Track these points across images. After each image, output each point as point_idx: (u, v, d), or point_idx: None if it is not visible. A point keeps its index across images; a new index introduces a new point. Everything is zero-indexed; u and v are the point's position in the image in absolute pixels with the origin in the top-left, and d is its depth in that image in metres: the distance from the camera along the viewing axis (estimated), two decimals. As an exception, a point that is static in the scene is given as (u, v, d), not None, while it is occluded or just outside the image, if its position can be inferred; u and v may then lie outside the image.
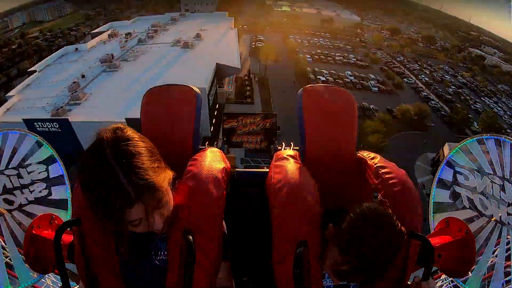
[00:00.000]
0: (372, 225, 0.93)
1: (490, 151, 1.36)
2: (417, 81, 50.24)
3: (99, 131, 0.88)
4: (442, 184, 1.51)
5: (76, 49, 33.97)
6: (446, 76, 53.98)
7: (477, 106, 42.69)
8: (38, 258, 1.29)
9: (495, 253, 1.29)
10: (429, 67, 57.53)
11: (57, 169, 1.49)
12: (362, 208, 0.97)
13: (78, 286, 1.22)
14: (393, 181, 1.14)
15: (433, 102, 41.52)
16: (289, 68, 45.36)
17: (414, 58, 61.79)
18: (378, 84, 43.84)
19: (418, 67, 56.69)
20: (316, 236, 1.07)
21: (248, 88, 37.62)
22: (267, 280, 1.21)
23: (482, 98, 46.46)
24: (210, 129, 26.69)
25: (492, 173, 1.33)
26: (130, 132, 0.90)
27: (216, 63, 28.36)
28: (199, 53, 31.66)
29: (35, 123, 20.34)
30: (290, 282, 1.05)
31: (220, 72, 29.84)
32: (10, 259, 1.34)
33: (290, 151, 1.40)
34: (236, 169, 1.60)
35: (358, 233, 0.93)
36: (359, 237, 0.93)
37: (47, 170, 1.46)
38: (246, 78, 40.25)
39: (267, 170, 1.33)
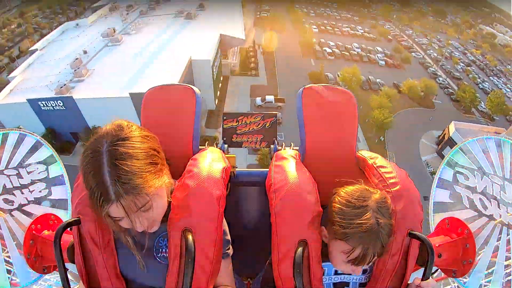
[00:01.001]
0: (354, 202, 1.01)
1: (490, 151, 1.36)
2: (425, 56, 48.72)
3: (102, 127, 0.92)
4: (442, 184, 1.51)
5: (77, 24, 33.68)
6: (455, 53, 52.06)
7: (485, 85, 41.55)
8: (38, 258, 1.29)
9: (495, 253, 1.29)
10: (438, 42, 55.63)
11: (57, 169, 1.49)
12: (338, 196, 1.06)
13: (78, 286, 1.22)
14: (393, 181, 1.14)
15: (440, 78, 40.47)
16: (294, 38, 44.53)
17: (423, 32, 59.44)
18: (385, 58, 42.89)
19: (427, 42, 54.78)
20: (316, 236, 1.07)
21: (253, 59, 36.92)
22: (267, 280, 1.21)
23: (490, 77, 45.32)
24: (215, 102, 26.66)
25: (492, 173, 1.33)
26: (132, 131, 0.92)
27: (220, 34, 28.21)
28: (203, 24, 31.32)
29: (39, 103, 20.44)
30: (290, 282, 1.05)
31: (224, 43, 29.59)
32: (10, 259, 1.34)
33: (290, 151, 1.40)
34: (236, 169, 1.60)
35: (347, 216, 1.00)
36: (349, 218, 0.99)
37: (47, 170, 1.46)
38: (250, 49, 39.36)
39: (267, 170, 1.33)
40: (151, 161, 0.91)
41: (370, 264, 1.05)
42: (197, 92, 1.36)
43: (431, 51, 50.85)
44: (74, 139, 22.05)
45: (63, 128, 21.63)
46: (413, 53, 47.98)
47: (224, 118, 1.73)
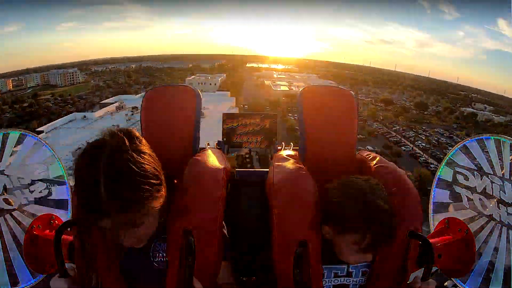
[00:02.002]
0: (351, 191, 1.02)
1: (490, 151, 1.35)
2: (414, 147, 52.61)
3: (106, 132, 0.87)
4: (442, 184, 1.51)
5: (84, 116, 35.90)
6: (442, 138, 56.95)
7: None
8: (38, 258, 1.29)
9: (495, 253, 1.29)
10: (424, 133, 60.73)
11: (57, 169, 1.49)
12: (333, 190, 1.07)
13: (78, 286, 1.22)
14: (393, 181, 1.14)
15: (432, 165, 42.71)
16: (287, 139, 46.03)
17: (409, 126, 65.01)
18: None
19: (413, 134, 59.42)
20: (316, 236, 1.07)
21: (248, 166, 37.76)
22: (267, 280, 1.21)
23: None
24: None
25: (492, 173, 1.33)
26: (137, 145, 0.87)
27: (218, 140, 28.41)
28: (202, 130, 31.00)
29: None
30: (290, 282, 1.05)
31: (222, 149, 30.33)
32: (10, 259, 1.34)
33: (290, 151, 1.40)
34: (236, 169, 1.60)
35: (348, 208, 1.00)
36: (350, 208, 1.00)
37: (47, 170, 1.46)
38: (246, 155, 40.00)
39: (267, 170, 1.33)
40: (147, 181, 0.83)
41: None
42: (197, 92, 1.36)
43: (419, 142, 54.98)
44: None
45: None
46: (402, 147, 51.69)
47: (224, 118, 1.73)
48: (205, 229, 1.02)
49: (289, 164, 1.25)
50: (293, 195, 1.12)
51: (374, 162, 1.26)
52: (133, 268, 1.06)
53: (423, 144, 54.18)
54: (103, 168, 0.77)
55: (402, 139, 57.09)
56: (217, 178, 1.12)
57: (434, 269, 1.22)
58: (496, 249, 1.29)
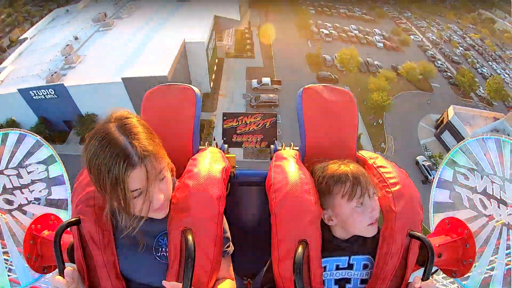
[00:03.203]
0: (325, 162, 1.21)
1: (490, 151, 1.36)
2: (423, 39, 47.92)
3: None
4: (442, 184, 1.51)
5: (67, 10, 32.55)
6: (454, 37, 51.26)
7: (483, 70, 40.79)
8: (38, 258, 1.29)
9: (495, 253, 1.29)
10: (437, 25, 55.04)
11: (57, 169, 1.49)
12: (316, 171, 1.21)
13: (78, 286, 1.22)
14: (393, 181, 1.14)
15: (439, 62, 39.74)
16: (290, 20, 43.72)
17: (421, 15, 58.71)
18: (383, 40, 42.07)
19: (425, 25, 54.08)
20: (316, 235, 1.07)
21: (248, 41, 36.15)
22: (267, 280, 1.21)
23: (489, 62, 44.68)
24: (210, 85, 26.08)
25: (492, 173, 1.33)
26: (133, 116, 0.98)
27: (214, 15, 27.48)
28: (196, 6, 30.13)
29: (30, 92, 20.00)
30: (290, 282, 1.05)
31: (219, 25, 28.90)
32: (10, 259, 1.34)
33: (290, 151, 1.40)
34: (236, 169, 1.60)
35: (329, 170, 1.16)
36: (327, 168, 1.17)
37: (47, 170, 1.46)
38: (246, 31, 38.43)
39: (267, 170, 1.33)
40: (154, 138, 0.96)
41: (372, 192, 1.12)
42: (197, 92, 1.36)
43: (430, 34, 50.11)
44: (67, 127, 21.57)
45: (56, 117, 21.11)
46: (411, 36, 47.07)
47: (224, 118, 1.73)
48: (205, 228, 1.02)
49: (289, 164, 1.25)
50: (293, 195, 1.12)
51: (374, 162, 1.26)
52: (136, 263, 1.06)
53: (433, 37, 49.13)
54: (118, 133, 0.88)
55: (413, 27, 51.85)
56: (217, 178, 1.12)
57: (434, 269, 1.22)
58: (496, 249, 1.29)
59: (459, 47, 46.46)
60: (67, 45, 23.42)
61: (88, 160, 0.88)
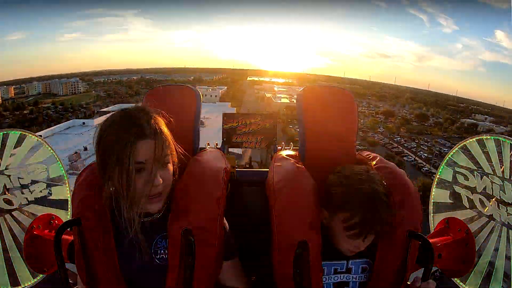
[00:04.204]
0: (350, 173, 1.07)
1: (490, 151, 1.35)
2: (416, 158, 52.57)
3: None
4: (442, 184, 1.51)
5: (83, 123, 35.43)
6: (444, 149, 56.43)
7: None
8: (38, 258, 1.29)
9: (495, 253, 1.29)
10: (426, 143, 61.22)
11: (57, 169, 1.49)
12: (333, 174, 1.12)
13: (78, 286, 1.22)
14: (393, 181, 1.14)
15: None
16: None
17: (410, 137, 65.69)
18: None
19: (415, 145, 59.91)
20: (316, 236, 1.07)
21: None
22: (267, 280, 1.21)
23: None
24: None
25: (492, 173, 1.33)
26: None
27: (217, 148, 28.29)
28: (202, 138, 30.63)
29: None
30: (290, 282, 1.05)
31: None
32: (10, 259, 1.34)
33: (290, 151, 1.40)
34: (236, 169, 1.60)
35: (345, 186, 1.05)
36: (347, 186, 1.04)
37: (47, 170, 1.46)
38: (247, 166, 39.80)
39: (267, 170, 1.33)
40: (168, 130, 1.01)
41: (369, 241, 1.06)
42: (197, 92, 1.36)
43: (422, 153, 55.28)
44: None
45: None
46: (404, 157, 51.35)
47: (224, 118, 1.73)
48: (205, 229, 1.02)
49: (289, 164, 1.25)
50: (293, 195, 1.12)
51: (374, 162, 1.26)
52: (135, 265, 1.06)
53: (425, 154, 54.31)
54: (136, 113, 0.96)
55: (404, 150, 57.19)
56: (217, 178, 1.12)
57: (434, 269, 1.22)
58: (496, 249, 1.29)
59: None
60: (75, 152, 24.62)
61: (101, 130, 0.95)
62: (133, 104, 1.05)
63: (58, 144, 27.01)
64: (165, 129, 0.99)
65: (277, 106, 76.26)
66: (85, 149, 26.00)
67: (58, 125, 34.61)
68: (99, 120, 35.89)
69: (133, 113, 0.96)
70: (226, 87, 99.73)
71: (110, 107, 48.66)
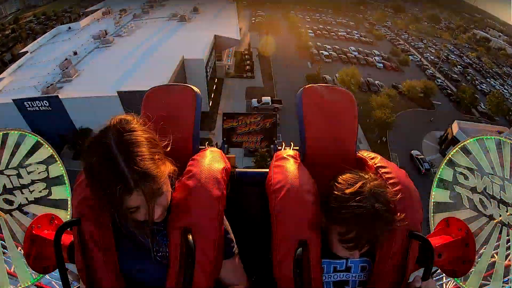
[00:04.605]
0: (350, 187, 1.02)
1: (490, 151, 1.35)
2: (422, 59, 49.06)
3: (107, 121, 0.93)
4: (442, 184, 1.51)
5: (69, 28, 33.27)
6: (452, 56, 53.08)
7: (483, 87, 41.65)
8: (38, 258, 1.29)
9: (495, 253, 1.29)
10: (434, 46, 56.85)
11: (57, 169, 1.49)
12: (335, 182, 1.08)
13: (78, 286, 1.22)
14: (392, 181, 1.14)
15: (439, 80, 40.48)
16: (290, 42, 44.80)
17: (418, 36, 60.97)
18: (383, 60, 42.93)
19: (423, 46, 55.79)
20: (316, 236, 1.07)
21: (248, 62, 36.57)
22: (267, 280, 1.21)
23: (487, 79, 45.65)
24: (209, 103, 26.18)
25: (492, 173, 1.33)
26: (135, 124, 0.94)
27: (214, 35, 27.82)
28: (197, 26, 30.93)
29: (25, 103, 19.81)
30: (290, 282, 1.05)
31: (219, 45, 29.14)
32: (10, 259, 1.34)
33: (290, 151, 1.40)
34: (236, 169, 1.60)
35: (343, 201, 1.01)
36: (344, 202, 1.01)
37: (47, 170, 1.45)
38: (246, 52, 38.92)
39: (267, 170, 1.33)
40: (156, 150, 0.94)
41: (365, 249, 1.06)
42: (197, 92, 1.36)
43: (428, 54, 51.84)
44: (61, 142, 21.18)
45: (50, 131, 20.36)
46: (410, 56, 48.42)
47: (224, 118, 1.73)
48: (205, 228, 1.02)
49: (289, 164, 1.25)
50: (293, 195, 1.12)
51: (374, 162, 1.26)
52: (136, 263, 1.06)
53: (431, 57, 50.79)
54: (116, 149, 0.85)
55: (411, 48, 53.79)
56: (217, 178, 1.12)
57: (434, 269, 1.22)
58: (496, 249, 1.29)
59: (458, 66, 48.04)
60: (66, 59, 23.66)
61: (86, 171, 0.89)
62: (110, 125, 0.91)
63: (46, 55, 26.27)
64: (148, 158, 0.88)
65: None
66: (75, 53, 25.13)
67: (43, 35, 32.43)
68: (85, 21, 34.21)
69: (114, 161, 0.84)
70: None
71: (95, 5, 43.92)
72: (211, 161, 1.19)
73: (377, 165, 1.23)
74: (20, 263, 1.34)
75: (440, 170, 1.53)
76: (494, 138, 1.36)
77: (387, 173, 1.18)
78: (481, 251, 1.31)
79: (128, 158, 0.85)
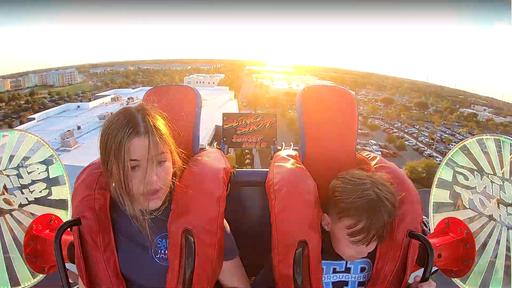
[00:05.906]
0: (354, 180, 1.06)
1: (490, 151, 1.35)
2: (417, 142, 52.59)
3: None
4: (442, 184, 1.50)
5: (78, 106, 35.71)
6: (445, 135, 57.23)
7: None
8: (38, 258, 1.29)
9: (495, 253, 1.29)
10: (426, 130, 61.58)
11: (57, 169, 1.48)
12: (338, 179, 1.11)
13: (78, 286, 1.22)
14: (393, 181, 1.14)
15: (438, 158, 41.89)
16: (288, 134, 45.93)
17: (411, 123, 66.58)
18: (380, 149, 44.55)
19: (416, 130, 60.43)
20: (316, 235, 1.07)
21: (248, 156, 38.53)
22: (267, 280, 1.21)
23: None
24: None
25: (492, 173, 1.33)
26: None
27: (216, 125, 27.68)
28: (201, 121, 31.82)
29: None
30: (290, 282, 1.05)
31: (220, 135, 29.44)
32: (10, 259, 1.34)
33: (290, 151, 1.40)
34: (236, 169, 1.60)
35: (349, 192, 1.03)
36: (350, 193, 1.03)
37: (47, 170, 1.45)
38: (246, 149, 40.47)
39: (267, 170, 1.33)
40: (167, 130, 1.03)
41: (372, 246, 1.06)
42: (197, 92, 1.36)
43: (422, 138, 55.63)
44: None
45: None
46: (406, 142, 51.34)
47: (224, 118, 1.73)
48: (205, 229, 1.02)
49: (289, 164, 1.25)
50: (293, 195, 1.12)
51: (374, 162, 1.26)
52: (136, 264, 1.06)
53: (426, 139, 53.99)
54: (136, 111, 0.98)
55: (405, 135, 56.99)
56: (217, 178, 1.12)
57: (434, 269, 1.22)
58: (496, 249, 1.29)
59: (453, 143, 50.22)
60: (68, 130, 24.59)
61: (103, 129, 0.97)
62: (136, 103, 1.06)
63: (51, 125, 27.09)
64: (162, 128, 0.99)
65: (275, 92, 76.73)
66: (79, 128, 26.00)
67: (52, 108, 34.44)
68: (94, 103, 36.17)
69: (131, 111, 0.97)
70: (224, 75, 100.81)
71: (106, 91, 47.97)
72: (211, 161, 1.19)
73: (377, 165, 1.23)
74: (20, 263, 1.33)
75: (440, 170, 1.52)
76: (494, 138, 1.35)
77: (387, 173, 1.18)
78: (481, 251, 1.30)
79: (143, 116, 0.96)
